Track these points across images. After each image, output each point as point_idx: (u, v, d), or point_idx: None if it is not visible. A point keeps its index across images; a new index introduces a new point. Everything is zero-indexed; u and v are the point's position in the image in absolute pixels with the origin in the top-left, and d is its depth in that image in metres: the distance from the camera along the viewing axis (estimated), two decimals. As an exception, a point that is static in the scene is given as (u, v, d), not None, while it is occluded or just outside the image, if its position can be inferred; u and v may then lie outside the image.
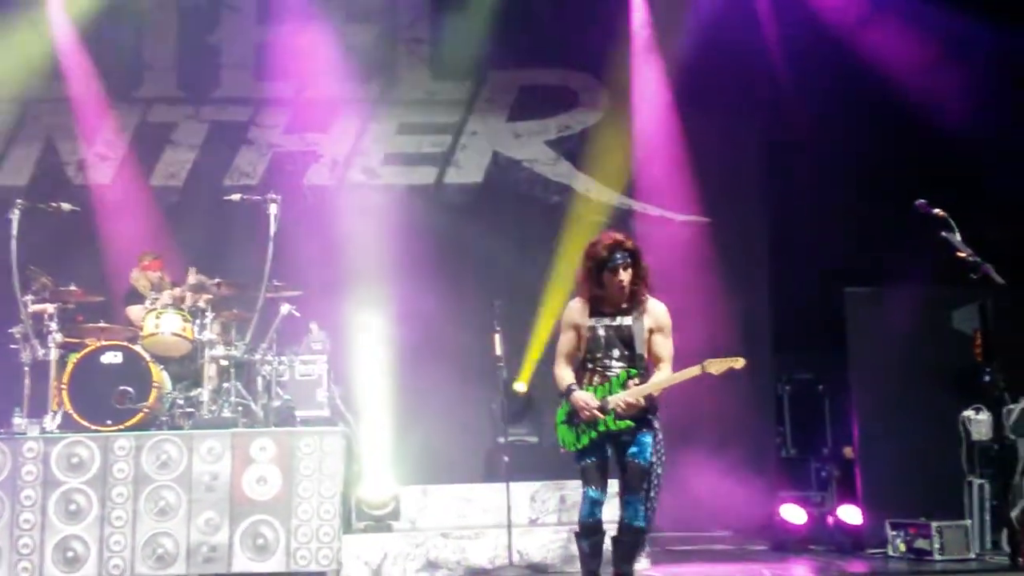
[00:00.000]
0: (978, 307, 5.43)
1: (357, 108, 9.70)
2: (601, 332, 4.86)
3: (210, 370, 7.06)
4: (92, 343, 6.82)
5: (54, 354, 6.76)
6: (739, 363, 4.84)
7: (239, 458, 6.53)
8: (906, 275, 7.79)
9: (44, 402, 6.73)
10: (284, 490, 6.51)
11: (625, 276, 4.81)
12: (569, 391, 4.86)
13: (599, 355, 4.86)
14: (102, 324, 7.05)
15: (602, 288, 4.84)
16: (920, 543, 6.89)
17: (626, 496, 4.89)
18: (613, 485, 5.03)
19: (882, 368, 7.67)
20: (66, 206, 7.08)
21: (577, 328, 4.91)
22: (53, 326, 6.80)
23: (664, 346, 4.88)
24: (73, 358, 6.72)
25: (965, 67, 8.82)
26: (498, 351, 7.28)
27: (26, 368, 6.77)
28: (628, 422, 4.77)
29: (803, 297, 9.01)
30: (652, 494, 4.84)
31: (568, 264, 9.32)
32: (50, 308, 6.85)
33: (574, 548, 6.73)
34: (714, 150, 9.51)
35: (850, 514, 7.61)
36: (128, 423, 6.59)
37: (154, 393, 6.70)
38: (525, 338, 8.67)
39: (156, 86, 9.53)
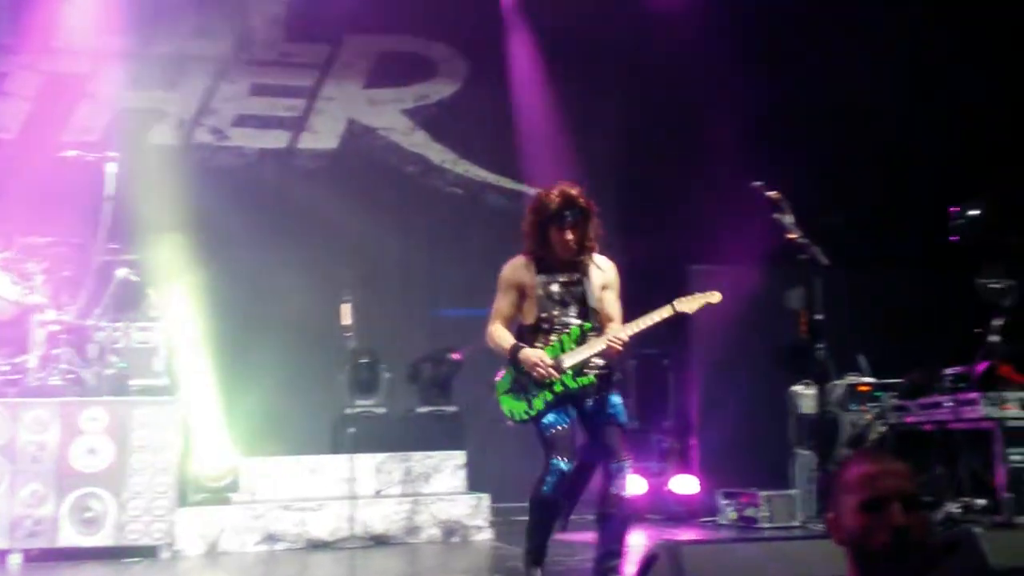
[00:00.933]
0: (803, 287, 5.69)
1: (207, 66, 9.33)
2: (555, 289, 4.61)
3: (38, 335, 6.71)
4: None
5: None
6: (715, 297, 4.70)
7: (67, 428, 6.27)
8: (747, 256, 8.09)
9: None
10: (116, 462, 6.30)
11: (572, 236, 4.55)
12: (516, 350, 4.51)
13: (555, 313, 4.59)
14: (-82, 285, 6.62)
15: (547, 245, 4.59)
16: (749, 511, 7.21)
17: (611, 464, 4.54)
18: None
19: (721, 345, 7.96)
20: None
21: (521, 287, 4.64)
22: None
23: (615, 304, 4.68)
24: None
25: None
26: (347, 321, 7.22)
27: None
28: (589, 378, 4.48)
29: (652, 275, 9.22)
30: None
31: (420, 235, 9.31)
32: None
33: (418, 519, 6.84)
34: (574, 127, 9.60)
35: (685, 484, 7.89)
36: (-54, 391, 6.22)
37: (-26, 359, 6.35)
38: (378, 308, 8.58)
39: (-13, 32, 8.95)
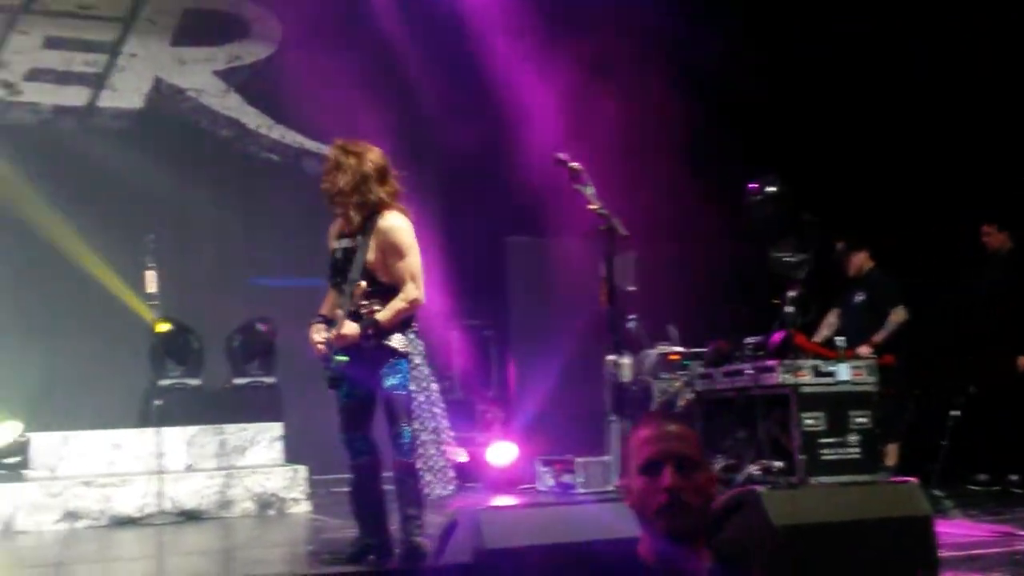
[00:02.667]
0: (604, 258, 5.82)
1: (-3, 15, 8.65)
2: (339, 256, 4.51)
3: None
4: None
5: None
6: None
7: None
8: (567, 227, 8.24)
9: None
10: None
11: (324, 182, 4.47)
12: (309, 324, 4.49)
13: (337, 279, 4.50)
14: None
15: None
16: (566, 477, 7.38)
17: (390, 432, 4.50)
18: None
19: (538, 314, 8.09)
20: None
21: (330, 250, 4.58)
22: None
23: (398, 268, 4.41)
24: None
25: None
26: (151, 288, 6.86)
27: None
28: (343, 357, 4.29)
29: (475, 247, 9.26)
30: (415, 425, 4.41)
31: (235, 201, 8.96)
32: None
33: (231, 493, 6.63)
34: (393, 96, 9.47)
35: (504, 452, 7.99)
36: None
37: None
38: (191, 277, 8.21)
39: None
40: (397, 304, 4.38)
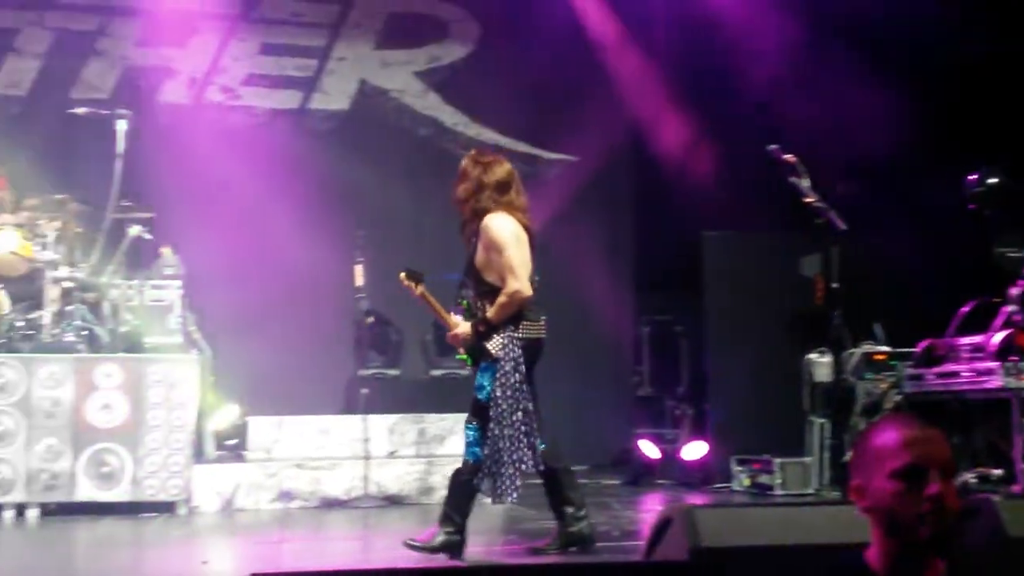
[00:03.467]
0: (820, 253, 5.63)
1: (217, 24, 9.25)
2: (466, 259, 4.77)
3: (52, 292, 6.68)
4: (-80, 258, 6.35)
5: None
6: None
7: (83, 384, 6.25)
8: (762, 220, 8.05)
9: None
10: (132, 418, 6.28)
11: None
12: None
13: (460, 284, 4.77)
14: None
15: None
16: (763, 478, 7.20)
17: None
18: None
19: (735, 311, 7.91)
20: None
21: None
22: None
23: (498, 264, 4.55)
24: None
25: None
26: (359, 282, 7.17)
27: None
28: (464, 357, 4.68)
29: (666, 240, 9.20)
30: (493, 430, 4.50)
31: (432, 198, 9.22)
32: None
33: (431, 480, 6.84)
34: (586, 90, 9.52)
35: (698, 450, 7.89)
36: (-37, 345, 6.19)
37: (-9, 314, 6.31)
38: (391, 271, 8.53)
39: (-4, -13, 8.85)
40: (500, 299, 4.54)
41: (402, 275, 4.61)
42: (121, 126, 6.63)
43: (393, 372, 8.18)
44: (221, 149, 8.68)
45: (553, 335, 9.35)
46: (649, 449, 8.18)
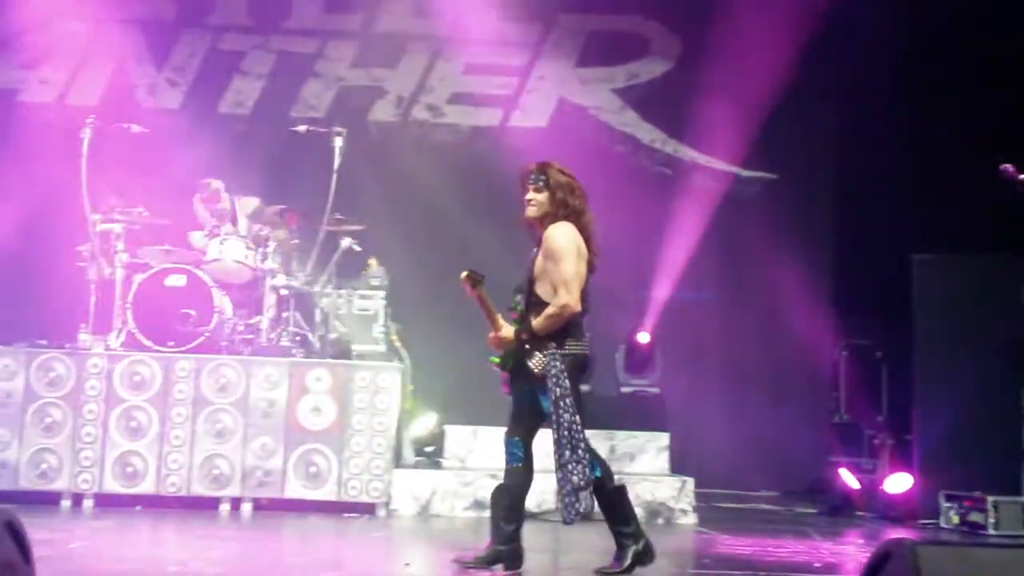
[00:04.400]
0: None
1: (425, 45, 9.62)
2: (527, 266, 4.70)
3: (270, 299, 7.12)
4: (157, 265, 6.90)
5: (119, 274, 6.86)
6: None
7: (295, 387, 6.62)
8: (976, 243, 7.62)
9: (109, 319, 6.84)
10: (338, 421, 6.60)
11: (531, 198, 4.64)
12: None
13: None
14: (167, 247, 7.13)
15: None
16: (974, 516, 6.80)
17: None
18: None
19: (946, 338, 7.51)
20: (135, 127, 7.14)
21: None
22: (120, 246, 6.90)
23: (553, 275, 4.48)
24: (138, 278, 6.81)
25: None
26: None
27: (92, 286, 6.88)
28: (496, 359, 4.60)
29: (867, 261, 8.86)
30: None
31: (628, 215, 9.23)
32: (117, 228, 6.94)
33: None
34: (788, 107, 9.29)
35: (902, 483, 7.52)
36: (190, 345, 6.68)
37: (215, 318, 6.78)
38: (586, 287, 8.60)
39: (227, 13, 9.52)
40: (548, 310, 4.46)
41: (464, 274, 4.50)
42: (338, 143, 7.02)
43: (584, 387, 8.20)
44: (425, 165, 9.00)
45: (747, 356, 9.20)
46: (850, 479, 7.86)
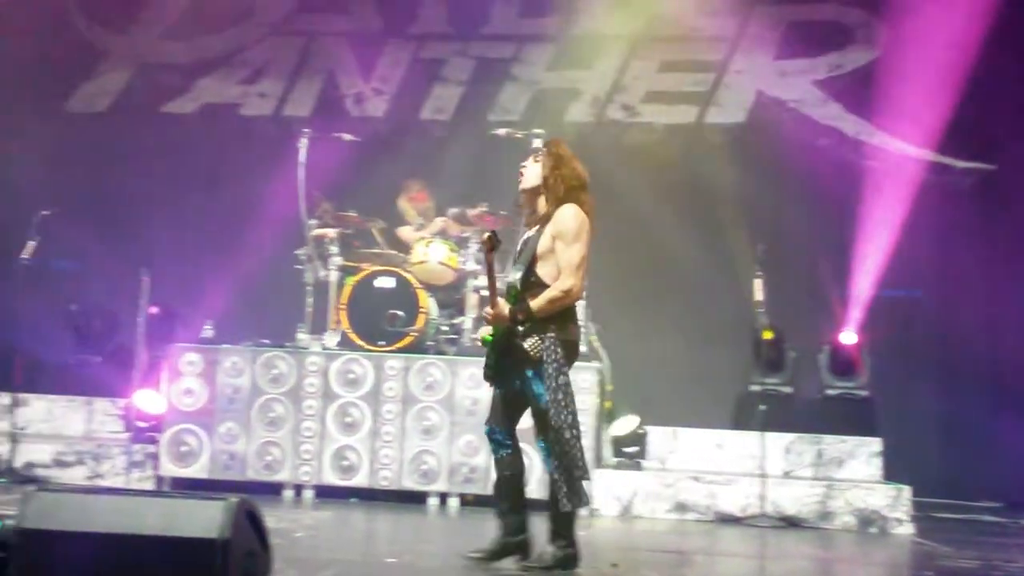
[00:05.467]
0: None
1: (619, 45, 9.61)
2: (520, 245, 4.55)
3: (472, 299, 7.30)
4: (367, 267, 7.21)
5: (334, 276, 7.21)
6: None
7: (498, 386, 6.74)
8: None
9: (325, 320, 7.20)
10: (539, 420, 6.68)
11: (524, 164, 4.49)
12: None
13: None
14: (377, 250, 7.44)
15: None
16: None
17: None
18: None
19: None
20: (347, 136, 7.49)
21: None
22: (334, 249, 7.25)
23: (560, 256, 4.30)
24: (351, 280, 7.13)
25: None
26: (758, 296, 7.13)
27: (309, 288, 7.27)
28: (488, 336, 4.39)
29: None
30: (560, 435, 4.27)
31: (832, 211, 8.91)
32: (331, 232, 7.30)
33: (832, 505, 6.62)
34: (1003, 93, 8.74)
35: None
36: (398, 345, 6.94)
37: (422, 318, 7.01)
38: (785, 284, 8.38)
39: (428, 23, 9.84)
40: (550, 292, 4.28)
41: (487, 235, 4.24)
42: (536, 145, 7.11)
43: (787, 389, 8.01)
44: (620, 165, 9.00)
45: (964, 355, 8.67)
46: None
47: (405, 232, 7.82)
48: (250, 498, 3.10)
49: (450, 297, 7.53)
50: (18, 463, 6.91)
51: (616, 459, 7.11)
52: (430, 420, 6.77)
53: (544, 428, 4.31)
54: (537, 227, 4.41)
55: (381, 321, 6.95)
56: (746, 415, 7.73)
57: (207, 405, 6.84)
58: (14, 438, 6.94)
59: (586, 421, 6.66)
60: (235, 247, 8.47)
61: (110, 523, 2.56)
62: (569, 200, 4.37)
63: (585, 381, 6.78)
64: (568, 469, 4.29)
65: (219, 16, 9.82)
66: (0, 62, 9.12)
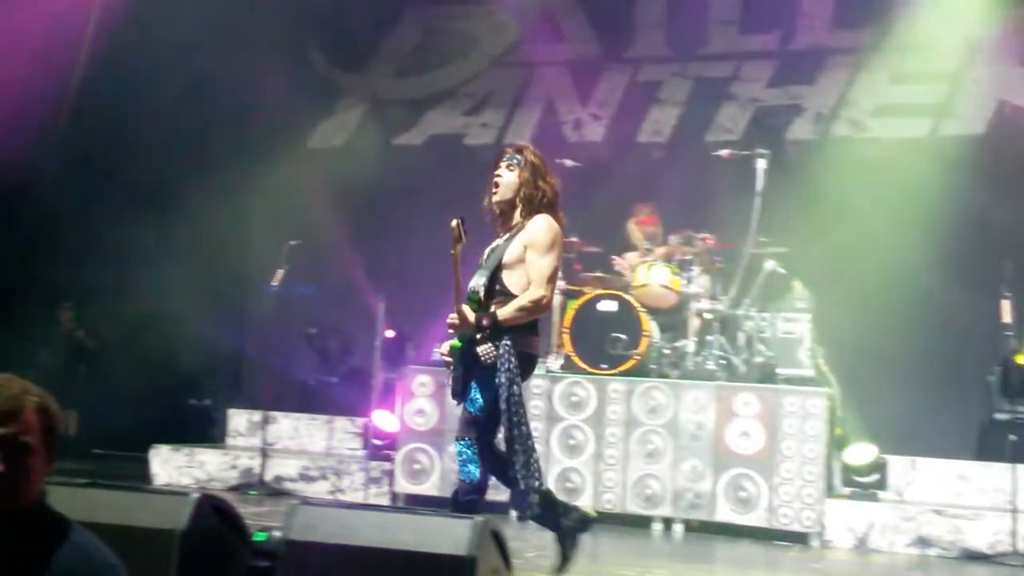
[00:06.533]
0: None
1: (845, 58, 9.30)
2: (487, 254, 4.33)
3: (694, 323, 7.24)
4: (590, 291, 7.30)
5: (557, 300, 7.33)
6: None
7: (723, 411, 6.66)
8: None
9: (548, 343, 7.32)
10: (767, 447, 6.54)
11: (500, 174, 4.29)
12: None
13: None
14: (598, 274, 7.52)
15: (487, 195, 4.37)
16: None
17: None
18: None
19: None
20: (569, 162, 7.61)
21: None
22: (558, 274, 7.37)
23: (531, 266, 4.16)
24: (573, 304, 7.24)
25: None
26: (1006, 318, 6.67)
27: (534, 312, 7.41)
28: (457, 343, 4.13)
29: None
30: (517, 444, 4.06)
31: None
32: (555, 257, 7.43)
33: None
34: None
35: None
36: (621, 368, 6.97)
37: (644, 341, 7.01)
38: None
39: (646, 45, 9.88)
40: (520, 301, 4.14)
41: (455, 223, 4.03)
42: (760, 165, 7.01)
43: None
44: (847, 183, 8.67)
45: None
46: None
47: (629, 258, 7.81)
48: (492, 518, 3.21)
49: (672, 320, 7.49)
50: (268, 476, 7.42)
51: (849, 488, 6.83)
52: (653, 444, 6.75)
53: (472, 431, 4.13)
54: (507, 235, 4.31)
55: (604, 344, 7.00)
56: (991, 445, 7.24)
57: (437, 425, 7.11)
58: (265, 453, 7.46)
59: (816, 448, 6.48)
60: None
61: (368, 537, 2.72)
62: (544, 212, 4.28)
63: (815, 407, 6.57)
64: (527, 479, 4.13)
65: (446, 51, 10.28)
66: (249, 106, 9.91)
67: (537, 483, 4.16)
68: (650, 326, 7.15)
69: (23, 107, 8.27)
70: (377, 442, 7.58)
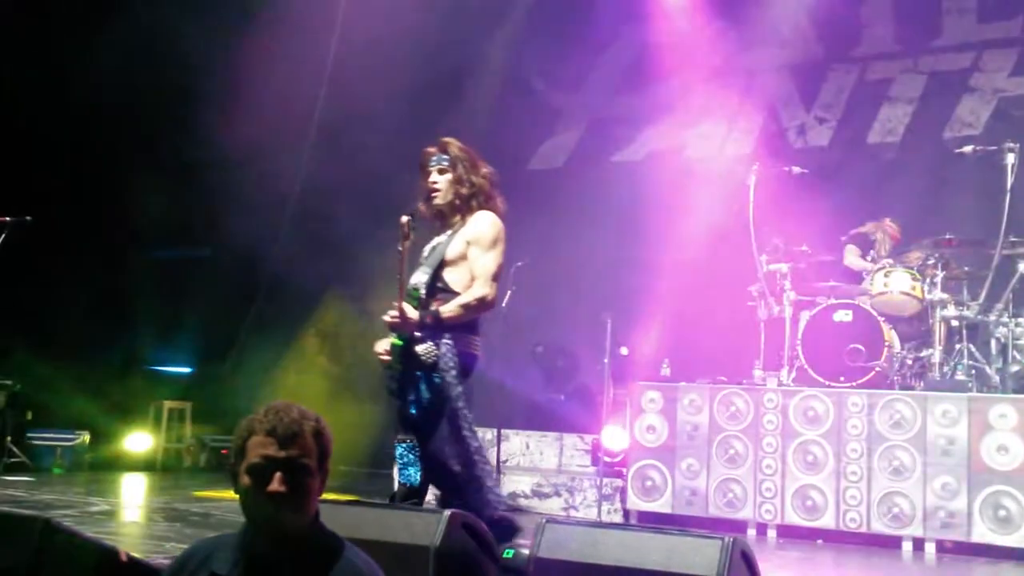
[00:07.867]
0: None
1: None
2: (426, 252, 4.21)
3: (940, 330, 6.81)
4: (823, 301, 7.02)
5: (788, 311, 7.11)
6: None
7: (976, 424, 6.22)
8: None
9: (778, 356, 7.12)
10: (1028, 463, 6.04)
11: (436, 181, 4.18)
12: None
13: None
14: (832, 283, 7.23)
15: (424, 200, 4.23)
16: None
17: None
18: None
19: None
20: (796, 169, 7.37)
21: None
22: (787, 284, 7.16)
23: (476, 261, 4.08)
24: (806, 315, 6.99)
25: None
26: None
27: (762, 324, 7.23)
28: (399, 341, 3.99)
29: None
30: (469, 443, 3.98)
31: None
32: (783, 267, 7.22)
33: None
34: None
35: None
36: (860, 380, 6.66)
37: (885, 352, 6.67)
38: None
39: (874, 43, 9.46)
40: (464, 298, 4.05)
41: (405, 218, 3.95)
42: (1010, 160, 6.52)
43: None
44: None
45: None
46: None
47: (859, 262, 7.50)
48: (743, 538, 3.13)
49: (914, 328, 7.10)
50: (503, 493, 7.58)
51: None
52: (899, 460, 6.38)
53: (413, 433, 4.02)
54: (448, 232, 4.20)
55: (840, 356, 6.71)
56: None
57: (668, 441, 7.04)
58: (499, 470, 7.63)
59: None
60: (687, 286, 8.66)
61: (616, 557, 2.71)
62: (486, 208, 4.19)
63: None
64: (479, 478, 4.00)
65: (662, 65, 10.21)
66: (469, 131, 10.22)
67: (492, 482, 4.09)
68: (891, 335, 6.80)
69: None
70: (607, 459, 7.59)
